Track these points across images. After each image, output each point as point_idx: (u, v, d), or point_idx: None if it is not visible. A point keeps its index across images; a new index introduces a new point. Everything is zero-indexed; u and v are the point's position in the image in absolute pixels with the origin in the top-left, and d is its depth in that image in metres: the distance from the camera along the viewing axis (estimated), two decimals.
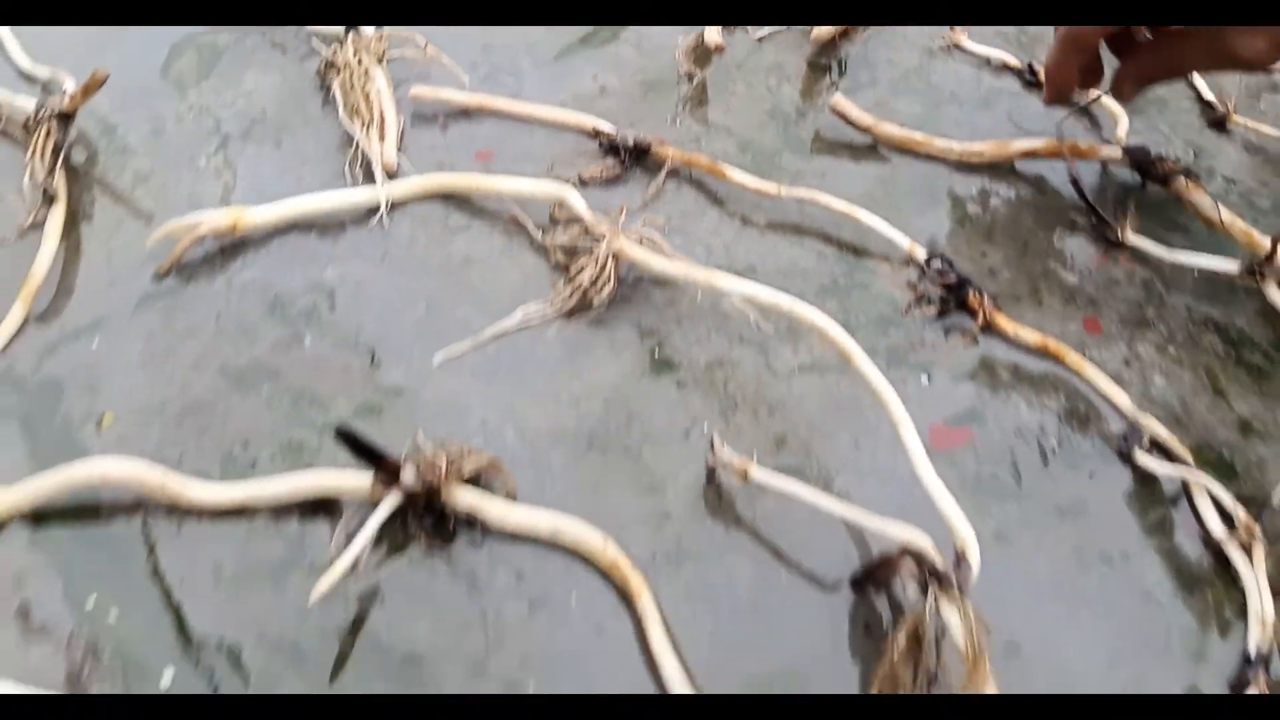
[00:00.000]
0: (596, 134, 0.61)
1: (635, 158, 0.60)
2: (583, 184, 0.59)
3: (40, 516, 0.44)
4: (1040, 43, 0.76)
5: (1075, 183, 0.61)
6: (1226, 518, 0.49)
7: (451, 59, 0.64)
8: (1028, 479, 0.50)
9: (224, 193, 0.56)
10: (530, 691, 0.42)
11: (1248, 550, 0.48)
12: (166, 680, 0.41)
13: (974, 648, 0.39)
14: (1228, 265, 0.56)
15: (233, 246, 0.54)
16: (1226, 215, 0.57)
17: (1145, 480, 0.51)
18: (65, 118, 0.54)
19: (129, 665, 0.41)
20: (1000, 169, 0.66)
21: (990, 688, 0.40)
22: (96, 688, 0.39)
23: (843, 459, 0.50)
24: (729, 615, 0.45)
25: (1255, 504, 0.49)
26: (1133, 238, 0.59)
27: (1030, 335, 0.54)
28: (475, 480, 0.46)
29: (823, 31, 0.72)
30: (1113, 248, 0.60)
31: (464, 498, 0.45)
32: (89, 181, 0.56)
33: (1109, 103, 0.67)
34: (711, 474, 0.49)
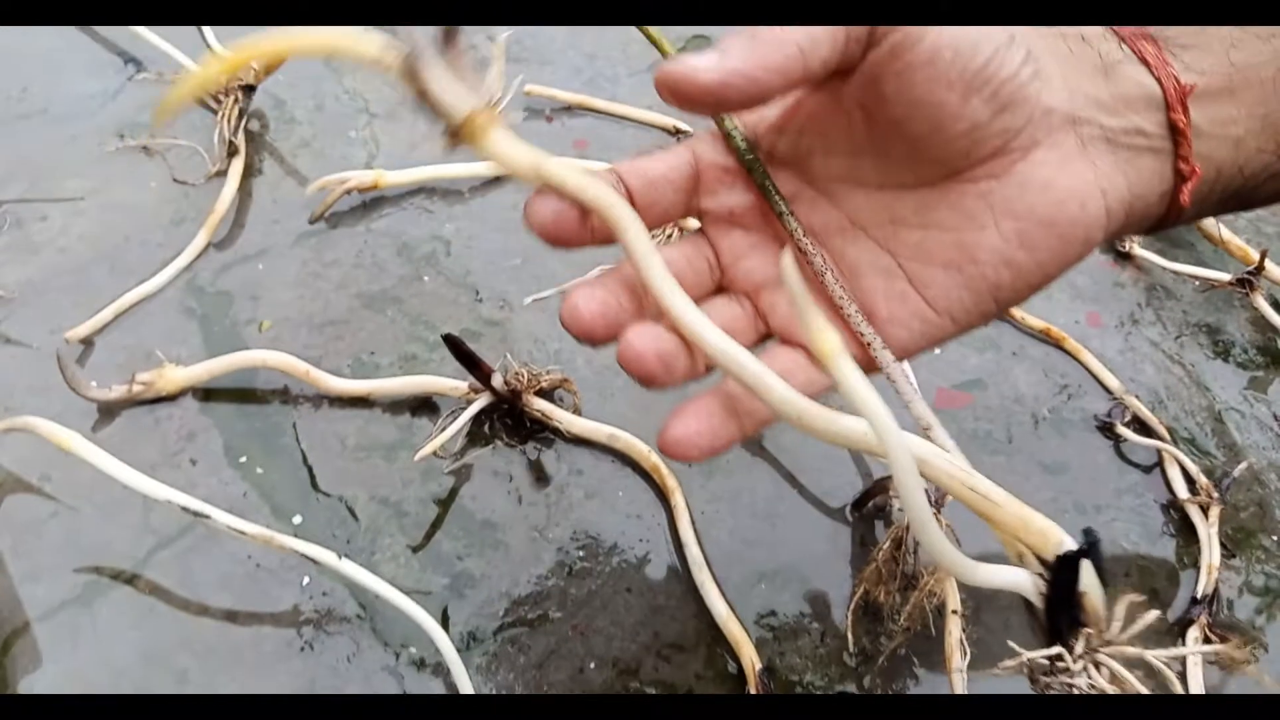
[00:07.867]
0: (676, 131, 0.71)
1: None
2: None
3: (210, 392, 0.57)
4: None
5: None
6: (1192, 485, 0.56)
7: (561, 64, 0.76)
8: (1018, 439, 0.58)
9: (368, 159, 0.69)
10: (578, 555, 0.52)
11: (1205, 511, 0.55)
12: (297, 520, 0.52)
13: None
14: (1219, 275, 0.63)
15: (373, 201, 0.66)
16: (1226, 233, 0.64)
17: (1124, 451, 0.58)
18: (249, 89, 0.66)
19: (271, 507, 0.53)
20: None
21: (951, 587, 0.48)
22: (250, 518, 0.50)
23: None
24: (747, 518, 0.54)
25: (1219, 478, 0.56)
26: (1139, 249, 0.66)
27: (1035, 321, 0.62)
28: (550, 395, 0.57)
29: None
30: (1121, 257, 0.67)
31: (539, 405, 0.56)
32: (262, 143, 0.69)
33: None
34: None
